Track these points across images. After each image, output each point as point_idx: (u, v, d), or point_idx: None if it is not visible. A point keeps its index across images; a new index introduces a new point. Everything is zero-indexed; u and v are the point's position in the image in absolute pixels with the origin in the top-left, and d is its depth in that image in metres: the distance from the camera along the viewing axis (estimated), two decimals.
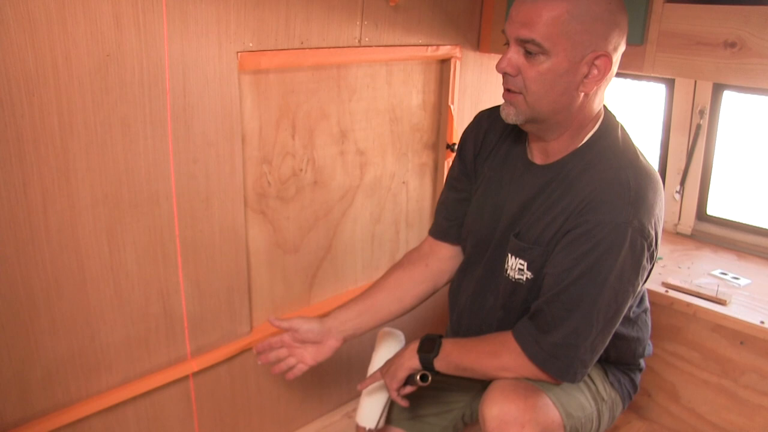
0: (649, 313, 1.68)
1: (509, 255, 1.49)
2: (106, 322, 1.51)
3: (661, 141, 2.51)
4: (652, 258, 1.37)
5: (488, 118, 1.60)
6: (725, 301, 1.96)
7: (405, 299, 1.68)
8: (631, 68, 1.97)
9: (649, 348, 1.72)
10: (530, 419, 1.38)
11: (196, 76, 1.51)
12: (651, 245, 1.34)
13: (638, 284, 1.38)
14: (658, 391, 2.11)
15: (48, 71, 1.29)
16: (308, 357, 1.61)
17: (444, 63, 2.09)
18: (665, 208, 1.40)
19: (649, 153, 2.55)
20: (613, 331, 1.41)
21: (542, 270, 1.43)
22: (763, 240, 2.34)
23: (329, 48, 1.73)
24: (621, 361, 1.64)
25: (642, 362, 1.72)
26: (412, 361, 1.52)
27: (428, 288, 1.70)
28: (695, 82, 2.31)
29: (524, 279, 1.46)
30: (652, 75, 2.31)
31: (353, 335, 1.63)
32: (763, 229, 2.35)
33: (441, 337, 1.54)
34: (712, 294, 1.98)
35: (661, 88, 2.44)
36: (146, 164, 1.48)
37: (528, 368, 1.43)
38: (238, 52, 1.56)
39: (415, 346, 1.53)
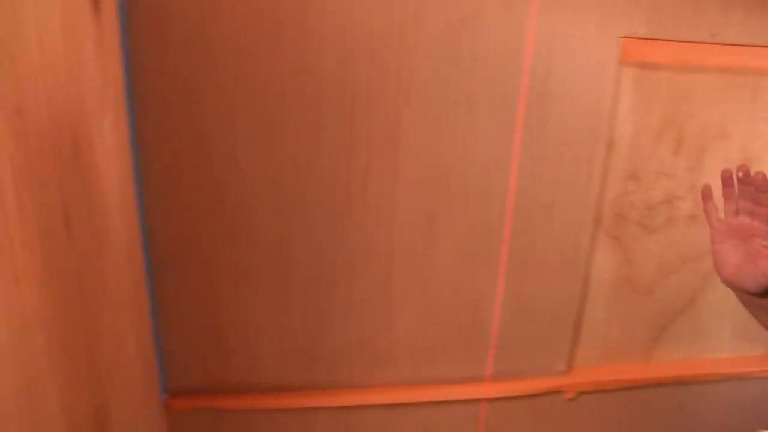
0: None
1: None
2: (405, 316, 1.39)
3: None
4: None
5: None
6: None
7: None
8: None
9: None
10: None
11: (563, 58, 1.26)
12: None
13: None
14: None
15: (393, 31, 1.18)
16: None
17: None
18: None
19: None
20: None
21: None
22: None
23: (749, 46, 1.33)
24: None
25: None
26: None
27: None
28: None
29: None
30: None
31: None
32: None
33: None
34: None
35: None
36: (485, 152, 1.30)
37: None
38: (621, 37, 1.27)
39: None
